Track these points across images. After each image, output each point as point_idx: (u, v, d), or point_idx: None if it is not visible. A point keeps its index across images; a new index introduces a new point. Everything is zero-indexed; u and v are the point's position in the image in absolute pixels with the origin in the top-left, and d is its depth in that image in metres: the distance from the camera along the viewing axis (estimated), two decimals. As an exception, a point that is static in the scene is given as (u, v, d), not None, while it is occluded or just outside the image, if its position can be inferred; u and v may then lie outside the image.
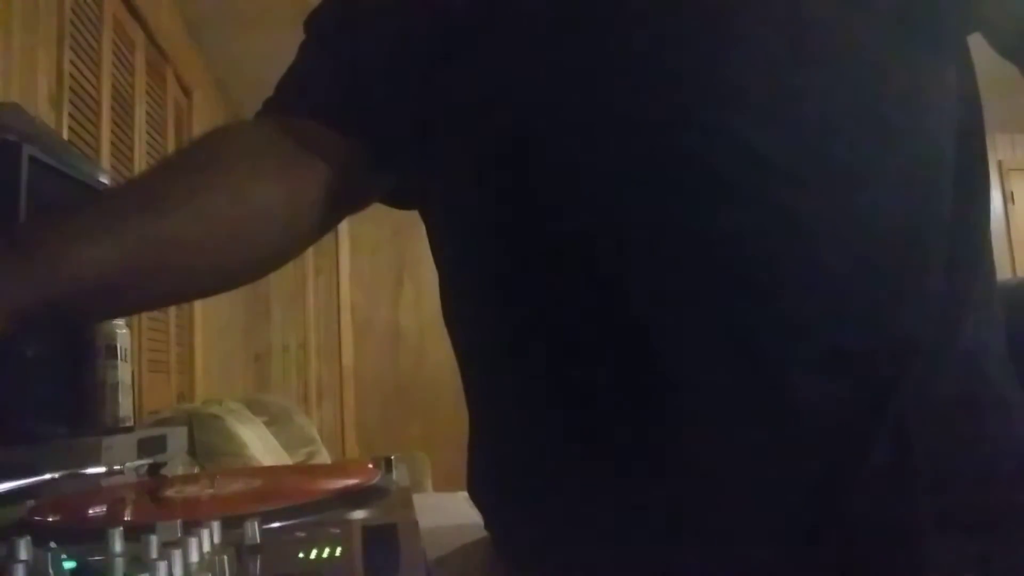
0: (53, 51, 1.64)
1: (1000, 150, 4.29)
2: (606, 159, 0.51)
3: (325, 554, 0.40)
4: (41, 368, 0.93)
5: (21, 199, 0.86)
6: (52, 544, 0.38)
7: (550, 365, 0.53)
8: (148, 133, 2.28)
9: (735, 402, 0.48)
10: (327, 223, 0.64)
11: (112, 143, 1.96)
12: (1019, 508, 0.49)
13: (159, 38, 2.39)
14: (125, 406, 1.10)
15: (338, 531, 0.44)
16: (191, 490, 0.62)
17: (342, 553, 0.40)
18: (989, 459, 0.50)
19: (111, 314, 0.82)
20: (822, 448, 0.48)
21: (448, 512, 0.79)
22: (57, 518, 0.53)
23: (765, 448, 0.48)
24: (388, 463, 0.64)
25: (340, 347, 4.06)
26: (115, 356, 1.08)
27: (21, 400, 0.87)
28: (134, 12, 2.18)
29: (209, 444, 1.95)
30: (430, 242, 0.66)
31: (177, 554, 0.35)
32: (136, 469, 0.80)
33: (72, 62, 1.71)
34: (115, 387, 1.08)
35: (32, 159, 0.88)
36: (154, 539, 0.37)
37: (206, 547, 0.38)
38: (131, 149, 2.12)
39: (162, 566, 0.34)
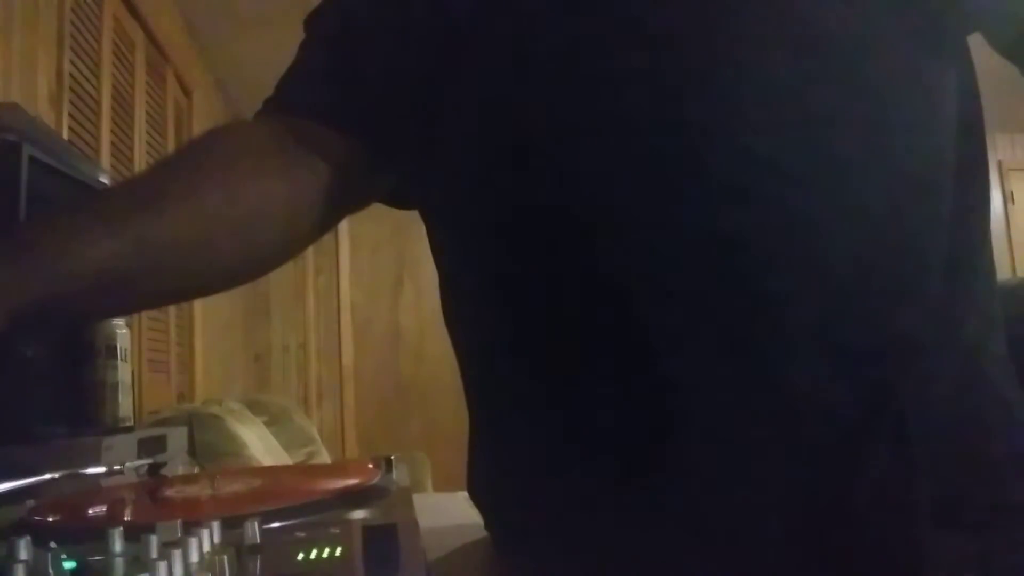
0: (53, 51, 1.64)
1: (1000, 150, 4.29)
2: (605, 159, 0.51)
3: (325, 554, 0.40)
4: (41, 368, 0.93)
5: (21, 199, 0.86)
6: (52, 544, 0.38)
7: (550, 365, 0.53)
8: (148, 133, 2.28)
9: (735, 402, 0.48)
10: (327, 223, 0.64)
11: (112, 143, 1.96)
12: (1019, 508, 0.49)
13: (159, 38, 2.39)
14: (125, 406, 1.10)
15: (338, 531, 0.44)
16: (191, 490, 0.62)
17: (342, 553, 0.40)
18: (988, 458, 0.50)
19: (110, 313, 0.82)
20: (822, 448, 0.48)
21: (448, 512, 0.79)
22: (57, 518, 0.53)
23: (765, 448, 0.48)
24: (388, 463, 0.64)
25: (340, 347, 4.06)
26: (115, 356, 1.08)
27: (21, 400, 0.87)
28: (134, 12, 2.18)
29: (209, 444, 1.95)
30: (430, 242, 0.66)
31: (177, 554, 0.35)
32: (136, 469, 0.80)
33: (72, 62, 1.71)
34: (115, 387, 1.08)
35: (32, 159, 0.88)
36: (154, 539, 0.37)
37: (206, 547, 0.38)
38: (131, 149, 2.12)
39: (162, 566, 0.34)
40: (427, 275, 3.72)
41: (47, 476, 0.69)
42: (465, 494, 0.66)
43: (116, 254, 0.50)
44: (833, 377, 0.48)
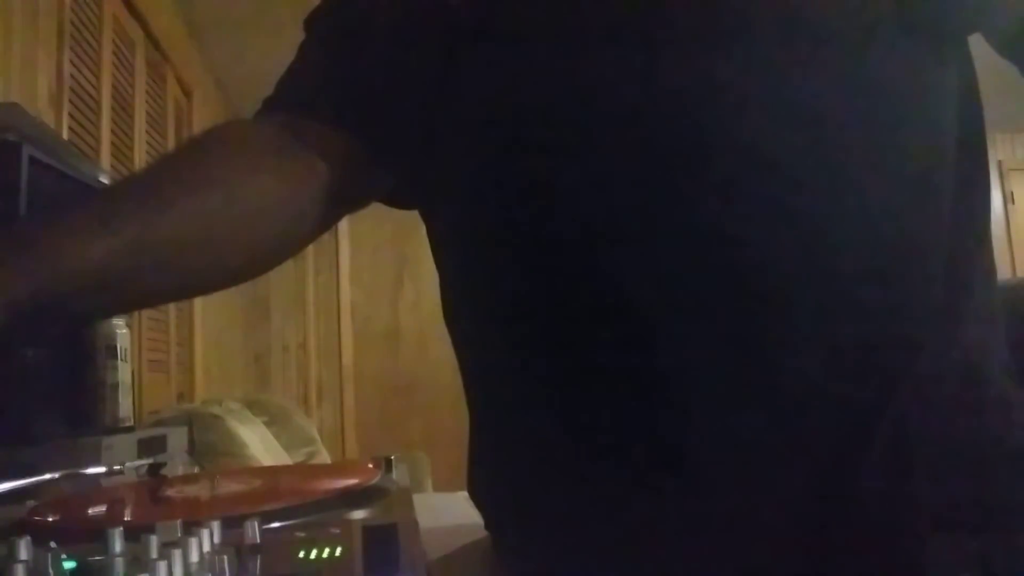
0: (53, 51, 1.64)
1: (1000, 150, 4.29)
2: (606, 160, 0.51)
3: (325, 554, 0.40)
4: (41, 368, 0.93)
5: (21, 199, 0.86)
6: (52, 544, 0.38)
7: (551, 365, 0.53)
8: (148, 133, 2.28)
9: (736, 401, 0.48)
10: (326, 222, 0.64)
11: (112, 143, 1.96)
12: (1019, 508, 0.49)
13: (159, 38, 2.40)
14: (125, 406, 1.10)
15: (338, 531, 0.44)
16: (191, 490, 0.62)
17: (342, 553, 0.40)
18: (989, 459, 0.50)
19: (110, 311, 0.82)
20: (822, 447, 0.48)
21: (448, 512, 0.79)
22: (57, 518, 0.53)
23: (765, 448, 0.48)
24: (388, 463, 0.64)
25: (340, 347, 4.06)
26: (115, 356, 1.08)
27: (21, 400, 0.87)
28: (134, 12, 2.18)
29: (209, 444, 1.95)
30: (430, 242, 0.66)
31: (177, 554, 0.35)
32: (136, 469, 0.80)
33: (72, 62, 1.71)
34: (115, 387, 1.08)
35: (32, 159, 0.88)
36: (154, 539, 0.37)
37: (206, 547, 0.38)
38: (131, 149, 2.12)
39: (162, 566, 0.34)
40: (427, 275, 3.72)
41: (47, 476, 0.69)
42: (465, 494, 0.66)
43: (115, 252, 0.50)
44: (833, 377, 0.48)
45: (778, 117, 0.49)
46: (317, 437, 2.94)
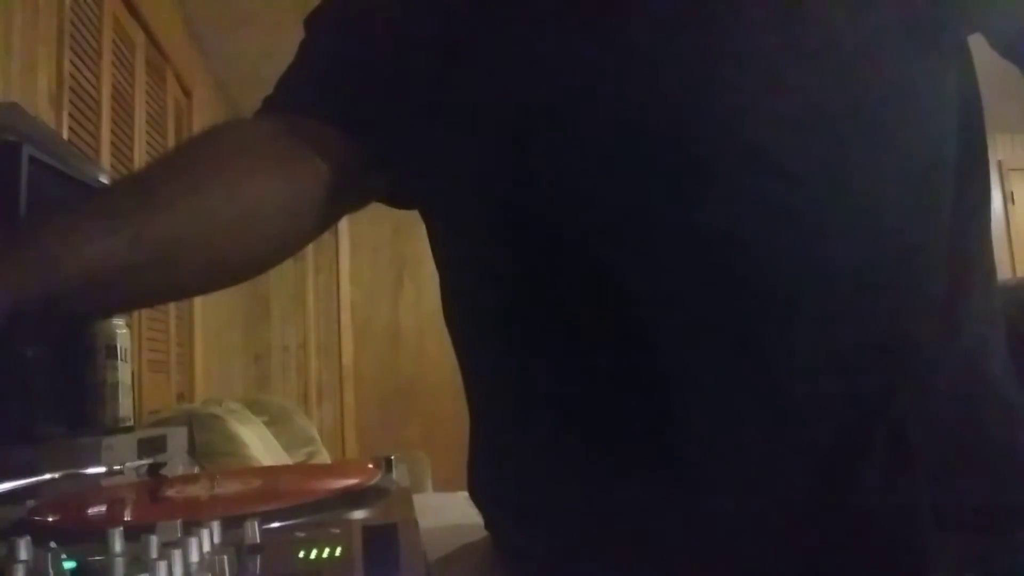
0: (53, 51, 1.64)
1: (1000, 150, 4.29)
2: (604, 159, 0.51)
3: (325, 554, 0.40)
4: (41, 368, 0.93)
5: (21, 199, 0.86)
6: (52, 544, 0.38)
7: (550, 365, 0.53)
8: (148, 133, 2.28)
9: (735, 402, 0.48)
10: (326, 221, 0.64)
11: (112, 143, 1.96)
12: (1019, 508, 0.49)
13: (159, 38, 2.39)
14: (125, 406, 1.10)
15: (338, 531, 0.44)
16: (191, 490, 0.62)
17: (342, 553, 0.40)
18: (989, 459, 0.50)
19: (109, 310, 0.82)
20: (822, 448, 0.48)
21: (448, 512, 0.79)
22: (57, 518, 0.53)
23: (765, 448, 0.48)
24: (388, 463, 0.64)
25: (340, 347, 4.06)
26: (115, 356, 1.08)
27: (21, 400, 0.87)
28: (134, 12, 2.18)
29: (209, 444, 1.95)
30: (430, 241, 0.66)
31: (177, 554, 0.35)
32: (136, 469, 0.80)
33: (72, 62, 1.71)
34: (115, 387, 1.08)
35: (32, 159, 0.88)
36: (154, 539, 0.37)
37: (206, 547, 0.38)
38: (131, 149, 2.12)
39: (162, 566, 0.34)
40: (427, 275, 3.72)
41: (47, 476, 0.69)
42: (465, 494, 0.66)
43: (115, 251, 0.50)
44: (833, 377, 0.48)
45: (779, 118, 0.49)
46: (317, 437, 2.94)
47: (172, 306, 2.47)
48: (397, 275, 4.10)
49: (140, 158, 2.16)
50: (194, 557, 0.36)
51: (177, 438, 1.31)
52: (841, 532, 0.47)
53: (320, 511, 0.51)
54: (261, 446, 2.14)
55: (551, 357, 0.53)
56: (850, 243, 0.49)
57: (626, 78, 0.51)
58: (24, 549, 0.37)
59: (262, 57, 1.82)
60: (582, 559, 0.52)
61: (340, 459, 3.57)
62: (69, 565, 0.37)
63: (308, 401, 3.98)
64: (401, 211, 0.72)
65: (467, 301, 0.62)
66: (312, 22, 0.68)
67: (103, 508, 0.57)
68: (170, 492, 0.61)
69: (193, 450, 1.88)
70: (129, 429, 1.10)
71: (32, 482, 0.66)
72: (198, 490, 0.61)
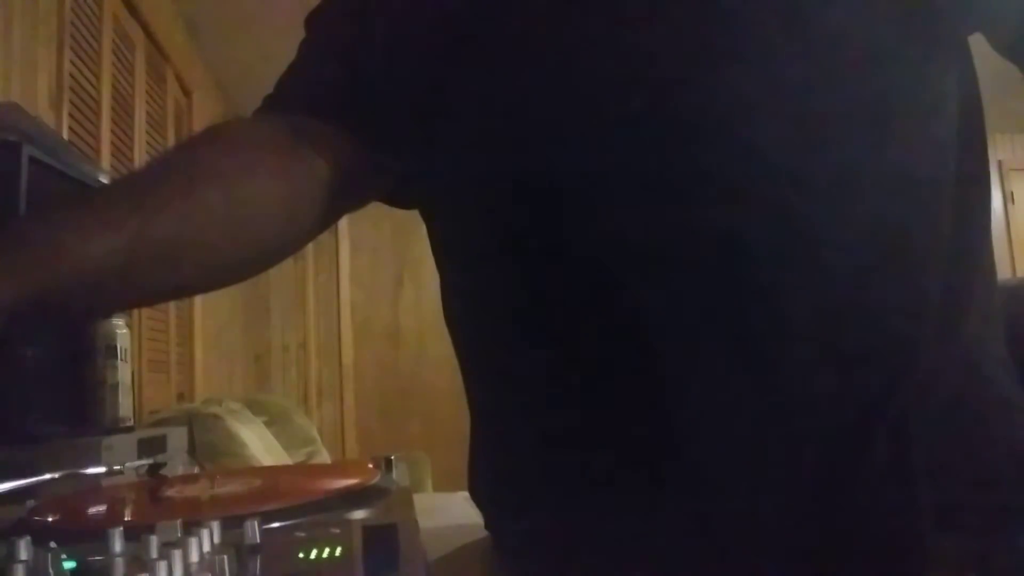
0: (53, 51, 1.64)
1: (1000, 150, 4.29)
2: (605, 160, 0.51)
3: (325, 554, 0.40)
4: (41, 368, 0.93)
5: (21, 199, 0.86)
6: (52, 544, 0.38)
7: (551, 365, 0.53)
8: (148, 133, 2.28)
9: (736, 402, 0.48)
10: (326, 220, 0.64)
11: (112, 143, 1.96)
12: (1020, 509, 0.49)
13: (159, 38, 2.40)
14: (125, 406, 1.10)
15: (338, 531, 0.44)
16: (191, 490, 0.62)
17: (342, 553, 0.40)
18: (989, 459, 0.50)
19: (109, 309, 0.82)
20: (822, 448, 0.48)
21: (448, 512, 0.79)
22: (57, 518, 0.53)
23: (765, 448, 0.48)
24: (388, 463, 0.64)
25: (340, 347, 4.06)
26: (115, 356, 1.08)
27: (21, 400, 0.87)
28: (134, 12, 2.18)
29: (209, 444, 1.95)
30: (430, 242, 0.66)
31: (177, 554, 0.35)
32: (136, 469, 0.80)
33: (72, 62, 1.71)
34: (115, 387, 1.08)
35: (32, 159, 0.88)
36: (154, 539, 0.37)
37: (206, 547, 0.38)
38: (131, 149, 2.12)
39: (162, 566, 0.34)
40: (427, 275, 3.72)
41: (47, 476, 0.69)
42: (465, 494, 0.66)
43: (114, 250, 0.50)
44: (833, 377, 0.48)
45: (780, 118, 0.49)
46: (317, 437, 2.95)
47: (172, 306, 2.47)
48: (397, 275, 4.10)
49: (140, 158, 2.16)
50: (194, 557, 0.36)
51: (177, 438, 1.31)
52: (841, 531, 0.47)
53: (320, 511, 0.51)
54: (261, 446, 2.14)
55: (551, 357, 0.53)
56: (850, 243, 0.49)
57: (627, 78, 0.51)
58: (24, 549, 0.37)
59: (262, 57, 1.82)
60: (582, 559, 0.52)
61: (340, 459, 3.57)
62: (69, 565, 0.37)
63: (308, 401, 3.98)
64: (401, 211, 0.72)
65: (467, 301, 0.62)
66: (312, 22, 0.68)
67: (103, 508, 0.57)
68: (170, 492, 0.61)
69: (193, 450, 1.88)
70: (129, 429, 1.10)
71: (32, 482, 0.66)
72: (198, 490, 0.61)
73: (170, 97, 2.55)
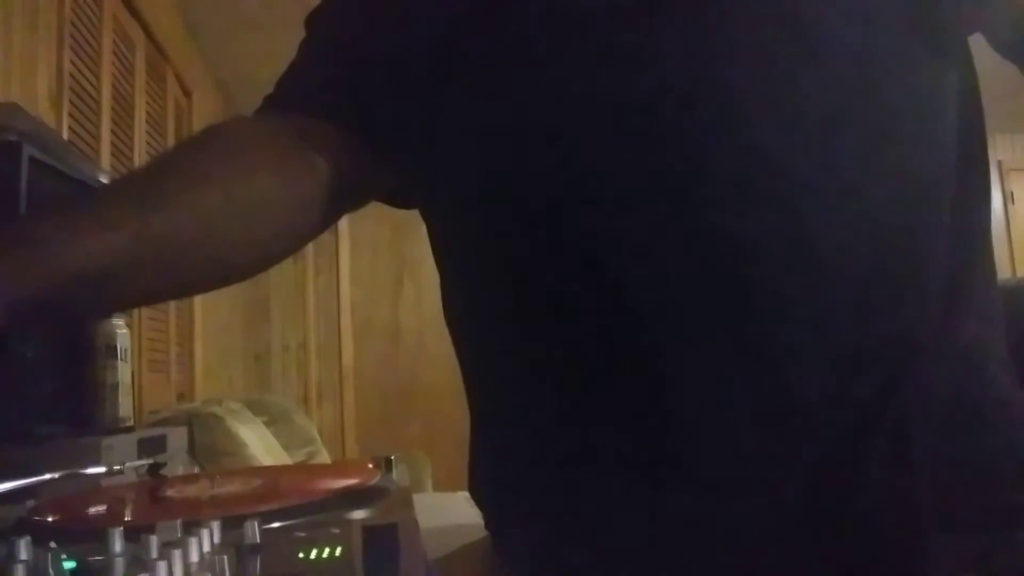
0: (53, 51, 1.64)
1: (1000, 150, 4.29)
2: (608, 160, 0.51)
3: (325, 554, 0.40)
4: (41, 368, 0.93)
5: (21, 199, 0.86)
6: (52, 544, 0.38)
7: (552, 365, 0.53)
8: (148, 133, 2.28)
9: (736, 401, 0.48)
10: (326, 220, 0.64)
11: (112, 143, 1.96)
12: (1020, 508, 0.49)
13: (159, 38, 2.40)
14: (125, 406, 1.10)
15: (338, 531, 0.44)
16: (191, 490, 0.62)
17: (342, 553, 0.40)
18: (989, 459, 0.50)
19: (109, 309, 0.82)
20: (823, 448, 0.48)
21: (448, 512, 0.79)
22: (57, 518, 0.53)
23: (766, 447, 0.48)
24: (388, 463, 0.64)
25: (340, 347, 4.06)
26: (115, 356, 1.08)
27: (21, 400, 0.87)
28: (134, 12, 2.18)
29: (209, 444, 1.95)
30: (431, 241, 0.66)
31: (177, 554, 0.35)
32: (136, 469, 0.80)
33: (72, 62, 1.71)
34: (115, 387, 1.08)
35: (32, 159, 0.88)
36: (154, 539, 0.37)
37: (206, 547, 0.38)
38: (131, 149, 2.12)
39: (162, 566, 0.34)
40: (427, 275, 3.72)
41: (47, 476, 0.69)
42: (465, 494, 0.66)
43: (115, 249, 0.50)
44: (834, 377, 0.48)
45: (780, 119, 0.49)
46: (317, 437, 2.95)
47: (172, 306, 2.47)
48: (397, 275, 4.10)
49: (140, 158, 2.16)
50: (194, 557, 0.36)
51: (177, 438, 1.31)
52: (841, 532, 0.47)
53: (320, 511, 0.51)
54: (261, 446, 2.14)
55: (551, 357, 0.53)
56: (850, 243, 0.49)
57: (627, 79, 0.51)
58: (24, 549, 0.37)
59: (262, 57, 1.82)
60: (582, 559, 0.52)
61: (340, 459, 3.57)
62: (69, 565, 0.37)
63: (308, 401, 3.98)
64: (401, 211, 0.72)
65: (468, 301, 0.62)
66: (312, 21, 0.68)
67: (103, 508, 0.57)
68: (170, 492, 0.61)
69: (193, 450, 1.88)
70: (129, 429, 1.10)
71: (32, 482, 0.66)
72: (198, 490, 0.61)
73: (170, 97, 2.55)
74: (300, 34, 0.69)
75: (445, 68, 0.58)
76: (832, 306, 0.48)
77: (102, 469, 0.79)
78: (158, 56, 2.43)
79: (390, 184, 0.68)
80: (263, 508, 0.48)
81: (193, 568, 0.36)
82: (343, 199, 0.64)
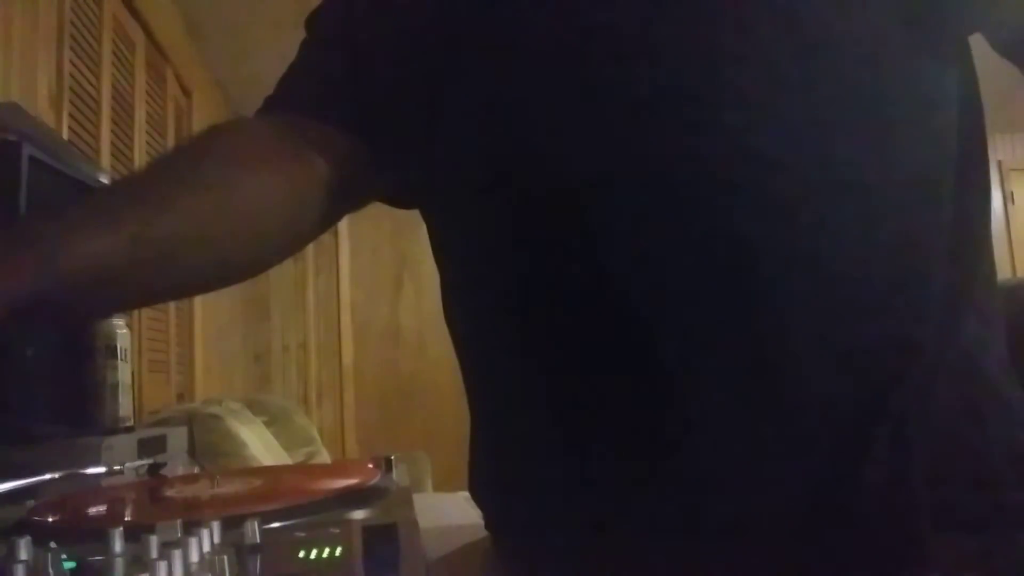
0: (53, 51, 1.64)
1: (1000, 150, 4.29)
2: (607, 160, 0.51)
3: (325, 554, 0.40)
4: (41, 368, 0.93)
5: (21, 199, 0.86)
6: (52, 544, 0.38)
7: (552, 365, 0.53)
8: (148, 133, 2.28)
9: (736, 401, 0.48)
10: (326, 221, 0.64)
11: (112, 143, 1.96)
12: (1019, 508, 0.49)
13: (159, 38, 2.39)
14: (125, 406, 1.10)
15: (338, 531, 0.44)
16: (191, 490, 0.62)
17: (342, 553, 0.40)
18: (989, 458, 0.50)
19: (109, 309, 0.82)
20: (823, 447, 0.48)
21: (448, 512, 0.79)
22: (57, 518, 0.53)
23: (766, 446, 0.48)
24: (388, 463, 0.64)
25: (340, 347, 4.06)
26: (115, 356, 1.08)
27: (21, 400, 0.87)
28: (134, 12, 2.18)
29: (209, 444, 1.95)
30: (431, 241, 0.66)
31: (177, 554, 0.35)
32: (136, 469, 0.80)
33: (72, 62, 1.71)
34: (115, 387, 1.08)
35: (32, 159, 0.88)
36: (154, 539, 0.37)
37: (206, 547, 0.38)
38: (131, 149, 2.12)
39: (162, 566, 0.34)
40: (427, 275, 3.72)
41: (47, 476, 0.69)
42: (465, 494, 0.66)
43: (115, 249, 0.50)
44: (833, 377, 0.48)
45: (780, 119, 0.49)
46: (317, 437, 2.94)
47: (172, 306, 2.47)
48: (397, 275, 4.10)
49: (140, 158, 2.16)
50: (194, 557, 0.36)
51: (177, 438, 1.31)
52: (841, 531, 0.47)
53: (320, 511, 0.51)
54: (261, 446, 2.14)
55: (552, 357, 0.53)
56: (850, 243, 0.49)
57: (627, 81, 0.51)
58: (24, 549, 0.37)
59: (262, 57, 1.82)
60: (582, 559, 0.52)
61: (340, 459, 3.57)
62: (69, 565, 0.37)
63: (308, 401, 3.98)
64: (401, 211, 0.72)
65: (468, 301, 0.62)
66: (313, 22, 0.68)
67: (103, 508, 0.57)
68: (170, 492, 0.61)
69: (193, 450, 1.88)
70: (129, 429, 1.10)
71: (32, 482, 0.66)
72: (198, 490, 0.61)
73: (170, 97, 2.54)
74: (300, 34, 0.69)
75: (446, 70, 0.58)
76: (832, 306, 0.48)
77: (102, 469, 0.79)
78: (158, 56, 2.43)
79: (390, 185, 0.68)
80: (263, 508, 0.48)
81: (193, 568, 0.36)
82: (343, 200, 0.64)
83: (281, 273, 3.69)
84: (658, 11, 0.52)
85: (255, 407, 2.55)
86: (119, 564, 0.36)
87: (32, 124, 1.06)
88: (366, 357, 4.07)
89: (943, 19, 0.53)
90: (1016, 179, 4.37)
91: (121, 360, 1.09)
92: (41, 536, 0.40)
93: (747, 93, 0.50)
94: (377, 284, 4.12)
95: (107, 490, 0.72)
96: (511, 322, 0.56)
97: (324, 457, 2.86)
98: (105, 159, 1.89)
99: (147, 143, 2.26)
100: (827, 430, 0.48)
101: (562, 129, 0.52)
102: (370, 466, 0.63)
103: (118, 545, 0.38)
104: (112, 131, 1.96)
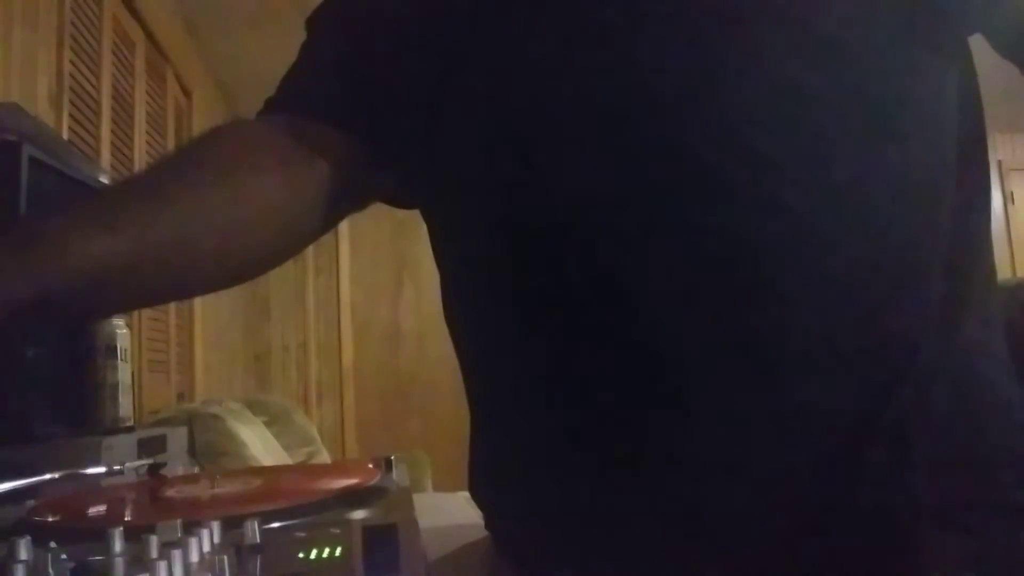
0: (53, 51, 1.64)
1: (1000, 150, 4.29)
2: (607, 160, 0.51)
3: (325, 554, 0.40)
4: (41, 368, 0.93)
5: (21, 199, 0.86)
6: (52, 544, 0.38)
7: (552, 364, 0.53)
8: (148, 133, 2.28)
9: (735, 401, 0.48)
10: (327, 222, 0.64)
11: (112, 143, 1.96)
12: (1018, 508, 0.49)
13: (159, 38, 2.40)
14: (125, 406, 1.10)
15: (338, 531, 0.44)
16: (191, 490, 0.62)
17: (342, 553, 0.40)
18: (989, 459, 0.50)
19: (110, 310, 0.82)
20: (822, 448, 0.48)
21: (448, 512, 0.79)
22: (57, 518, 0.53)
23: (766, 448, 0.48)
24: (388, 463, 0.64)
25: (340, 347, 4.06)
26: (115, 356, 1.08)
27: (21, 400, 0.87)
28: (134, 12, 2.18)
29: (209, 444, 1.95)
30: (431, 241, 0.66)
31: (177, 554, 0.35)
32: (136, 469, 0.80)
33: (72, 62, 1.71)
34: (115, 387, 1.08)
35: (32, 159, 0.88)
36: (154, 539, 0.37)
37: (206, 547, 0.38)
38: (131, 149, 2.12)
39: (162, 566, 0.34)
40: (427, 275, 3.72)
41: (47, 476, 0.69)
42: (465, 494, 0.66)
43: (116, 250, 0.50)
44: (833, 377, 0.48)
45: (780, 119, 0.49)
46: (317, 437, 2.94)
47: (172, 306, 2.47)
48: (397, 275, 4.11)
49: (140, 158, 2.16)
50: (194, 557, 0.36)
51: (177, 438, 1.31)
52: (841, 531, 0.47)
53: (320, 511, 0.51)
54: (261, 446, 2.14)
55: (552, 357, 0.53)
56: (850, 243, 0.49)
57: (625, 79, 0.51)
58: (24, 549, 0.37)
59: (262, 58, 1.82)
60: (583, 559, 0.52)
61: (340, 459, 3.57)
62: (69, 565, 0.37)
63: (308, 401, 3.98)
64: (401, 211, 0.72)
65: (468, 300, 0.62)
66: (313, 23, 0.68)
67: (103, 508, 0.57)
68: (170, 492, 0.61)
69: (193, 450, 1.88)
70: (129, 429, 1.10)
71: (32, 482, 0.66)
72: (198, 490, 0.61)
73: (170, 97, 2.55)
74: (300, 34, 0.69)
75: (446, 71, 0.58)
76: (831, 305, 0.48)
77: (102, 469, 0.79)
78: (158, 56, 2.43)
79: (391, 186, 0.68)
80: (263, 508, 0.48)
81: (193, 568, 0.36)
82: (344, 201, 0.64)
83: (281, 273, 3.68)
84: (658, 14, 0.52)
85: (255, 407, 2.55)
86: (119, 564, 0.36)
87: (32, 124, 1.06)
88: (366, 357, 4.07)
89: (943, 20, 0.53)
90: (1016, 179, 4.37)
91: (121, 360, 1.09)
92: (41, 536, 0.40)
93: (746, 95, 0.50)
94: (377, 284, 4.13)
95: (107, 490, 0.72)
96: (510, 323, 0.56)
97: (324, 457, 2.86)
98: (105, 159, 1.89)
99: (147, 143, 2.26)
100: (827, 430, 0.48)
101: (563, 131, 0.52)
102: (370, 466, 0.63)
103: (118, 545, 0.38)
104: (112, 131, 1.96)
